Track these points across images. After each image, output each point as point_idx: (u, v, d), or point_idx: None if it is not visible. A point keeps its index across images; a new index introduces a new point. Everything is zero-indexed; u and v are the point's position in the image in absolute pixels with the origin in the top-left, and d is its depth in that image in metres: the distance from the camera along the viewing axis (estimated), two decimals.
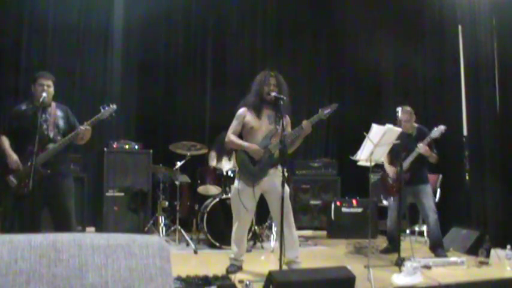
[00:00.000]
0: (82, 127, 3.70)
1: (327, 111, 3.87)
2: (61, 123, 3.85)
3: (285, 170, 3.60)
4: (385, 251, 5.08)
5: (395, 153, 4.71)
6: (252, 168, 3.88)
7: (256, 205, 4.10)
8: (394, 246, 4.88)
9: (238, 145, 3.94)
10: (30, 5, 6.24)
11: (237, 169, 4.07)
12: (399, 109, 4.86)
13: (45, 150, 3.65)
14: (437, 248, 4.81)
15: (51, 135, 3.76)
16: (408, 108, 4.94)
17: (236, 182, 4.00)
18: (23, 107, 3.83)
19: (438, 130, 4.72)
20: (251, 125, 3.93)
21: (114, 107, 3.84)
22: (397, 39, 7.11)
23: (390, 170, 4.97)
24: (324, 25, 7.81)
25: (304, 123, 3.83)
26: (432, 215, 4.83)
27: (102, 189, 5.73)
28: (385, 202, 5.13)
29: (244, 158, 3.90)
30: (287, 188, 3.81)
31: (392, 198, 5.04)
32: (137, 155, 5.96)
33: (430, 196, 4.92)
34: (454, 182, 6.10)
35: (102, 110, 3.82)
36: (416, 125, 4.99)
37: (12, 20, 6.18)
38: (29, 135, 3.60)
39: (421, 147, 4.71)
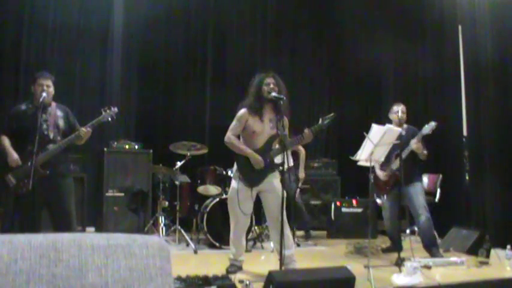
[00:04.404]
0: (83, 129, 3.70)
1: (326, 121, 3.88)
2: (61, 123, 3.84)
3: (285, 170, 3.59)
4: (388, 250, 5.08)
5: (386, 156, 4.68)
6: (252, 173, 3.84)
7: (257, 205, 4.08)
8: (394, 245, 4.88)
9: (241, 150, 3.88)
10: (30, 5, 6.23)
11: (234, 169, 4.02)
12: (399, 108, 4.85)
13: (45, 150, 3.66)
14: (432, 247, 4.74)
15: (51, 135, 3.76)
16: (404, 108, 4.94)
17: (234, 182, 3.95)
18: (23, 107, 3.82)
19: (429, 127, 4.62)
20: (253, 129, 3.88)
21: (115, 110, 3.84)
22: (397, 38, 7.11)
23: (381, 174, 4.89)
24: (324, 25, 7.80)
25: (306, 132, 3.81)
26: (424, 213, 4.71)
27: (102, 189, 5.73)
28: (378, 201, 5.12)
29: (245, 161, 3.86)
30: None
31: (385, 197, 5.01)
32: (137, 155, 5.97)
33: (421, 194, 4.82)
34: (454, 182, 6.10)
35: (103, 113, 3.81)
36: (405, 125, 4.92)
37: (12, 20, 6.18)
38: (28, 135, 3.60)
39: (413, 144, 4.63)
